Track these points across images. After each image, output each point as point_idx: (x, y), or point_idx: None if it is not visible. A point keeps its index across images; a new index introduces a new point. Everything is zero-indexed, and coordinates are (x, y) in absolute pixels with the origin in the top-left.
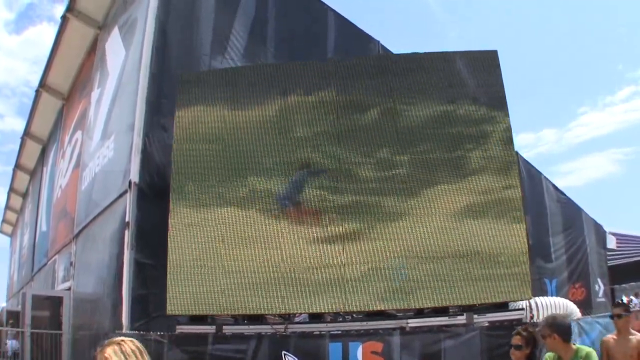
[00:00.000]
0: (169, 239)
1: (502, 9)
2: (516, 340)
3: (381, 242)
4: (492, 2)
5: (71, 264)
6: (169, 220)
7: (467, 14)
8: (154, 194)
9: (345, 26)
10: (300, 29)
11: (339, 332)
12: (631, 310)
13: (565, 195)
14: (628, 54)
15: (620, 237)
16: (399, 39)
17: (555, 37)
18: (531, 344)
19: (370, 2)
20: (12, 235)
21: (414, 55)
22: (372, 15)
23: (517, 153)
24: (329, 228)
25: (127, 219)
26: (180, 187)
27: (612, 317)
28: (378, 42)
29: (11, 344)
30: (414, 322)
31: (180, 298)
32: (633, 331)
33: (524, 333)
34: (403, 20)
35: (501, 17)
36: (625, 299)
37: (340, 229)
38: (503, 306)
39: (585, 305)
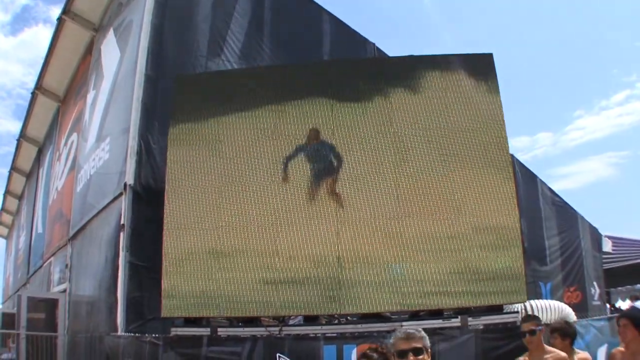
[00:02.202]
0: (163, 242)
1: (496, 13)
2: None
3: (376, 245)
4: (487, 5)
5: (66, 266)
6: (164, 223)
7: (462, 17)
8: (149, 196)
9: (341, 28)
10: (297, 30)
11: (334, 334)
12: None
13: (560, 198)
14: (623, 58)
15: (616, 241)
16: (393, 41)
17: (550, 40)
18: None
19: (364, 4)
20: (7, 237)
21: (409, 58)
22: (366, 17)
23: (512, 156)
24: (323, 231)
25: (122, 222)
26: (175, 189)
27: (523, 335)
28: (374, 44)
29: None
30: (408, 325)
31: (175, 300)
32: (549, 348)
33: (375, 355)
34: (397, 23)
35: (496, 21)
36: (623, 304)
37: (335, 232)
38: (498, 309)
39: (581, 309)
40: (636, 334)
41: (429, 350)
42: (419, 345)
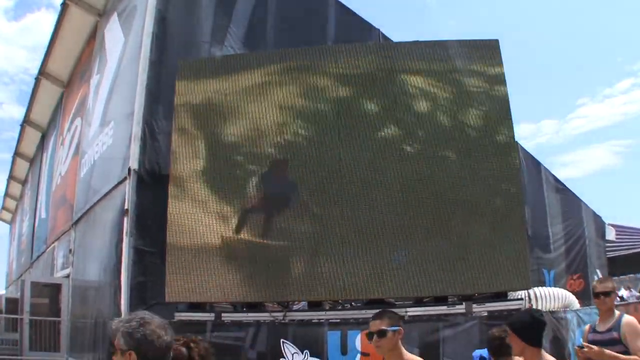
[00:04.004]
0: (167, 226)
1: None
2: None
3: (381, 231)
4: None
5: (70, 251)
6: (168, 207)
7: (465, 7)
8: (153, 181)
9: (346, 14)
10: (301, 16)
11: (338, 320)
12: (629, 302)
13: (564, 186)
14: (627, 47)
15: (619, 229)
16: (394, 30)
17: (554, 28)
18: None
19: None
20: (11, 222)
21: (414, 43)
22: (368, 8)
23: (516, 142)
24: (326, 217)
25: (126, 206)
26: (180, 173)
27: (370, 336)
28: (379, 30)
29: None
30: (412, 311)
31: (179, 285)
32: (409, 356)
33: (184, 350)
34: (398, 15)
35: (500, 8)
36: (624, 292)
37: (339, 218)
38: (502, 296)
39: (584, 296)
40: (523, 344)
41: (132, 353)
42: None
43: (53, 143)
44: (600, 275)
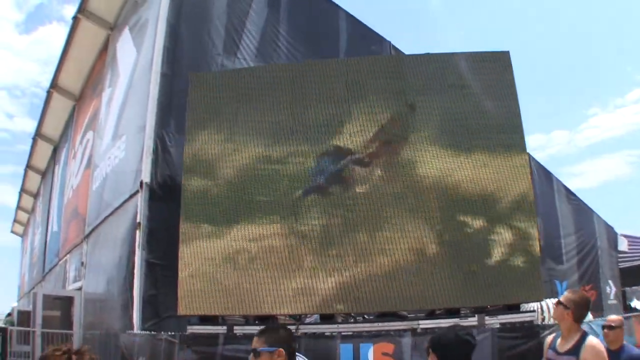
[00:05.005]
0: (180, 239)
1: (510, 11)
2: None
3: (393, 243)
4: (499, 3)
5: (82, 264)
6: (180, 220)
7: (473, 18)
8: (165, 194)
9: (357, 26)
10: (313, 29)
11: (350, 333)
12: None
13: (576, 196)
14: (636, 56)
15: (631, 239)
16: (399, 41)
17: (563, 38)
18: None
19: (374, 6)
20: (23, 235)
21: (426, 56)
22: (376, 19)
23: (528, 154)
24: (339, 228)
25: (138, 220)
26: (192, 186)
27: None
28: (389, 42)
29: None
30: (425, 324)
31: (191, 298)
32: None
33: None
34: (406, 25)
35: (509, 19)
36: (637, 303)
37: (351, 228)
38: (514, 308)
39: (596, 308)
40: None
41: None
42: None
43: (65, 156)
44: (613, 286)
